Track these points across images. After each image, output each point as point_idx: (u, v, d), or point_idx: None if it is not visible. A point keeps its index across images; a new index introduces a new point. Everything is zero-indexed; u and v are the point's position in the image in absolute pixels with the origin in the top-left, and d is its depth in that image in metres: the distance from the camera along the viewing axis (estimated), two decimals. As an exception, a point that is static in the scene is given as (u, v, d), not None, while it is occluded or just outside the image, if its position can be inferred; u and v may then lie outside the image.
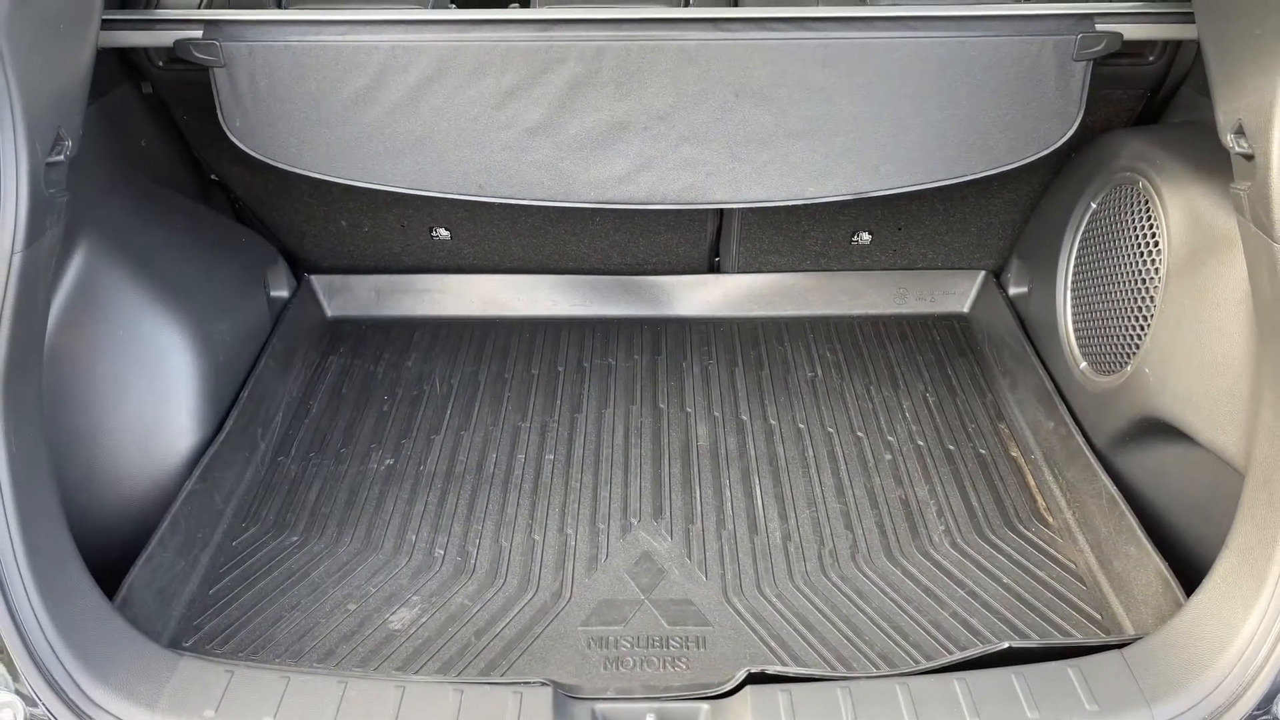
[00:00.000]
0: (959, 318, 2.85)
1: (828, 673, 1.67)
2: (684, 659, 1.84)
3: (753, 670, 1.59)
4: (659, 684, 1.76)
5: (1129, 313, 2.10)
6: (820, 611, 1.94)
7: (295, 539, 2.12)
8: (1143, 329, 2.04)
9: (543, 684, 1.57)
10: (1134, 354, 2.06)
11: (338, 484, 2.28)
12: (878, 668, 1.80)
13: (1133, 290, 2.10)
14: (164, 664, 1.61)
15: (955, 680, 1.57)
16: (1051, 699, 1.54)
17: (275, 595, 1.98)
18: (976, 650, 1.65)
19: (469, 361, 2.70)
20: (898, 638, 1.87)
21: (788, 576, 2.02)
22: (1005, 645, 1.64)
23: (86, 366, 1.99)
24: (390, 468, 2.33)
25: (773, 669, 1.60)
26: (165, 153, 2.53)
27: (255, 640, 1.88)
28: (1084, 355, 2.29)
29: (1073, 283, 2.38)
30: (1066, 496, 2.17)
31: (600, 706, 1.57)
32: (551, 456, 2.36)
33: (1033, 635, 1.86)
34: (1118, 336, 2.14)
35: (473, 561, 2.07)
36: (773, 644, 1.86)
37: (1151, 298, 2.03)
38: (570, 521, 2.17)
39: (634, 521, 2.17)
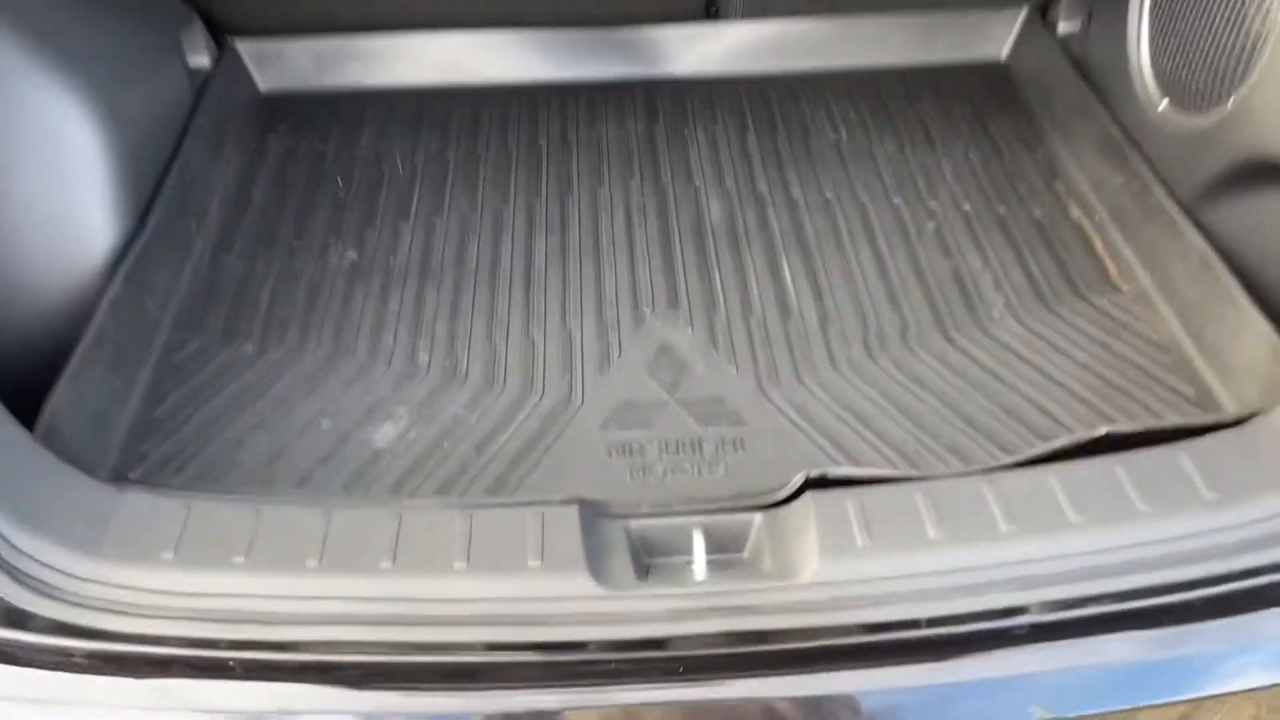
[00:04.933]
0: (996, 65, 2.48)
1: (897, 473, 1.43)
2: (721, 464, 1.59)
3: (811, 474, 1.34)
4: (699, 494, 1.51)
5: (1232, 29, 1.74)
6: (872, 402, 1.68)
7: (250, 349, 1.80)
8: (1253, 49, 1.69)
9: (566, 502, 1.31)
10: (1240, 83, 1.72)
11: (294, 283, 1.93)
12: (947, 464, 1.56)
13: None
14: (105, 499, 1.32)
15: (1050, 474, 1.33)
16: (1163, 489, 1.30)
17: (232, 415, 1.67)
18: (1069, 438, 1.41)
19: (434, 138, 2.31)
20: (966, 428, 1.62)
21: (829, 364, 1.75)
22: (1103, 431, 1.40)
23: (-36, 150, 1.60)
24: (354, 262, 1.98)
25: (835, 471, 1.35)
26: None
27: (215, 468, 1.59)
28: (1165, 92, 1.95)
29: (1152, 2, 2.00)
30: (1142, 259, 1.88)
31: (636, 524, 1.32)
32: (543, 243, 2.02)
33: (1119, 418, 1.63)
34: (1217, 63, 1.79)
35: (463, 366, 1.77)
36: (823, 442, 1.61)
37: (1266, 5, 1.67)
38: (573, 315, 1.86)
39: (647, 311, 1.87)
